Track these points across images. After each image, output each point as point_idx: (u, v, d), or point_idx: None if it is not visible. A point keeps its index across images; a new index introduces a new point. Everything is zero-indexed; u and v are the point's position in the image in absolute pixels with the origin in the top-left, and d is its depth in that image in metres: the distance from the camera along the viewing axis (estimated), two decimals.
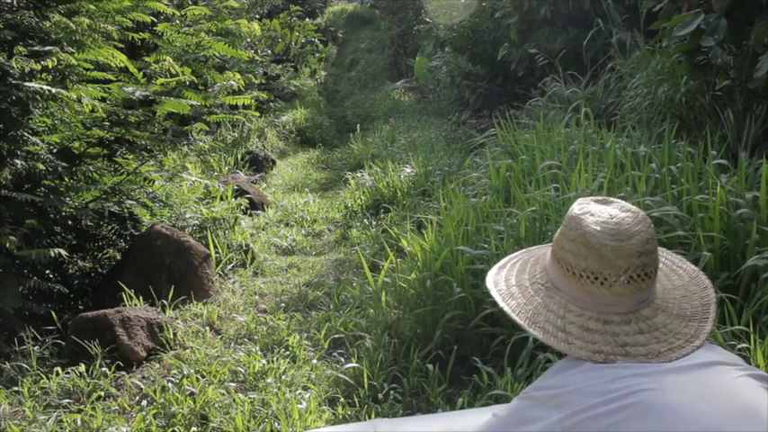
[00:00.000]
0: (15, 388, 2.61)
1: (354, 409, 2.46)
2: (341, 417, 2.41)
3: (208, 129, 6.41)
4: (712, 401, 0.91)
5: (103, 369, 2.71)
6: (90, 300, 3.56)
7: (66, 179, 3.64)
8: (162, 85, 4.03)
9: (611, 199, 1.09)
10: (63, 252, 3.15)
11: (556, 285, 1.08)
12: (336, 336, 3.07)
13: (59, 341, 2.98)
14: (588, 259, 1.02)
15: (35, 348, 2.84)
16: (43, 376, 2.67)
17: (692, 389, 0.92)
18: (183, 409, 2.43)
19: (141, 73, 4.13)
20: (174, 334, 3.06)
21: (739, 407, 0.91)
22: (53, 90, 3.07)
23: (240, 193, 5.43)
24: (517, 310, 1.08)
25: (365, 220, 4.99)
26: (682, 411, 0.89)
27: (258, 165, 7.32)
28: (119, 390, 2.66)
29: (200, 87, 5.19)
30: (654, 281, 1.04)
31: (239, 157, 7.08)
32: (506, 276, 1.14)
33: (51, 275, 3.52)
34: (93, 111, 3.49)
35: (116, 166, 3.99)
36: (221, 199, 4.94)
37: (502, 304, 1.10)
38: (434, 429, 1.38)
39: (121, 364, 2.82)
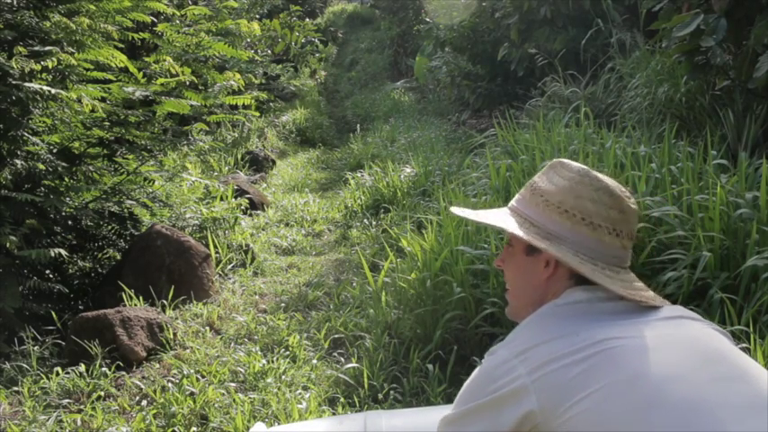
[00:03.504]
0: (15, 388, 2.61)
1: (354, 410, 2.46)
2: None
3: (208, 129, 6.41)
4: (678, 348, 0.94)
5: (103, 369, 2.71)
6: (90, 300, 3.56)
7: (67, 179, 3.64)
8: (162, 85, 4.03)
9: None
10: (63, 252, 3.15)
11: (558, 235, 1.08)
12: (336, 336, 3.07)
13: (59, 341, 2.98)
14: (612, 209, 1.06)
15: (35, 348, 2.84)
16: (43, 376, 2.67)
17: (658, 337, 0.95)
18: (183, 409, 2.43)
19: (141, 73, 4.13)
20: (174, 334, 3.06)
21: (705, 351, 0.94)
22: (53, 90, 3.07)
23: (240, 193, 5.43)
24: (526, 227, 1.09)
25: (365, 220, 4.99)
26: (649, 357, 0.91)
27: (258, 165, 7.32)
28: (119, 390, 2.66)
29: (200, 87, 5.19)
30: (630, 249, 1.11)
31: (239, 157, 7.09)
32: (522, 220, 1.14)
33: (51, 275, 3.52)
34: (93, 111, 3.49)
35: (116, 166, 3.99)
36: (221, 199, 4.94)
37: (502, 226, 1.11)
38: (421, 420, 1.39)
39: (121, 364, 2.82)
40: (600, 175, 1.10)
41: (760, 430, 0.83)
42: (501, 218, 1.14)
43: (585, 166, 1.12)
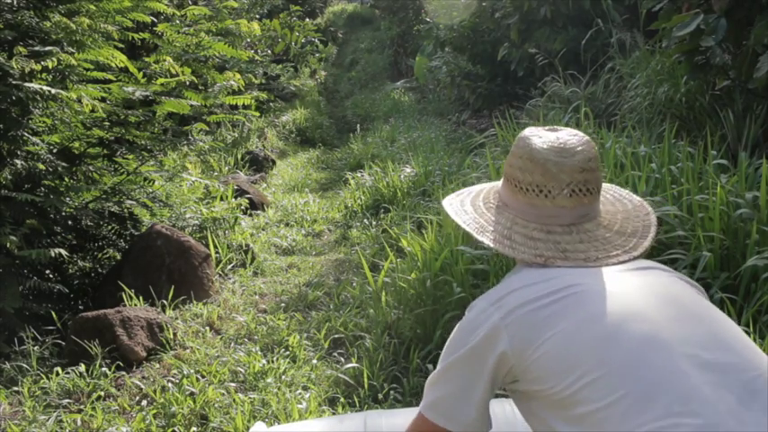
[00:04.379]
0: (15, 388, 2.62)
1: (354, 409, 2.46)
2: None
3: (208, 129, 6.41)
4: (640, 292, 1.01)
5: (103, 369, 2.71)
6: (90, 300, 3.57)
7: (67, 179, 3.64)
8: (162, 85, 4.03)
9: (560, 127, 1.20)
10: (63, 252, 3.15)
11: (505, 203, 1.18)
12: (336, 336, 3.07)
13: (59, 341, 2.98)
14: (534, 173, 1.12)
15: (35, 348, 2.84)
16: (43, 376, 2.67)
17: (622, 283, 1.03)
18: (183, 409, 2.44)
19: (141, 73, 4.13)
20: (174, 334, 3.06)
21: (664, 294, 1.01)
22: (53, 90, 3.07)
23: (240, 193, 5.43)
24: (468, 221, 1.19)
25: (365, 220, 4.99)
26: (611, 299, 0.98)
27: (258, 165, 7.31)
28: (119, 390, 2.66)
29: (200, 87, 5.19)
30: (595, 198, 1.15)
31: (239, 157, 7.09)
32: (462, 200, 1.25)
33: (51, 275, 3.52)
34: (93, 111, 3.49)
35: (116, 166, 3.99)
36: (221, 199, 4.94)
37: (455, 218, 1.20)
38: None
39: (121, 364, 2.82)
40: (532, 138, 1.15)
41: (712, 364, 0.89)
42: (460, 208, 1.24)
43: (530, 130, 1.19)
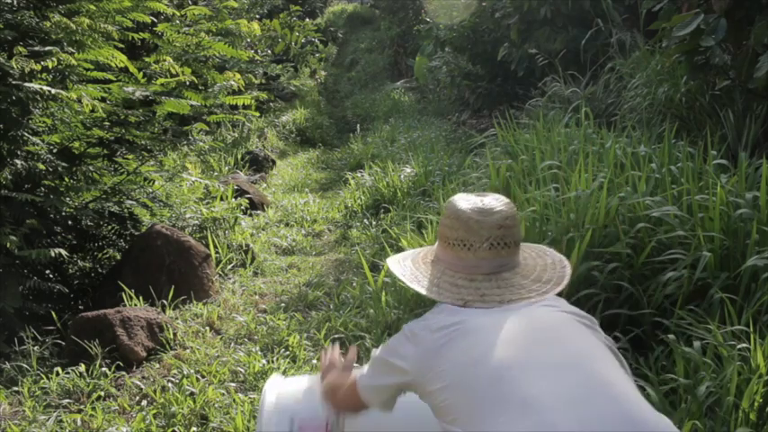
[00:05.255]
0: (15, 388, 2.62)
1: None
2: None
3: (208, 129, 6.41)
4: (520, 324, 1.22)
5: (103, 369, 2.71)
6: (90, 300, 3.56)
7: (67, 179, 3.64)
8: (162, 85, 4.03)
9: (488, 193, 1.41)
10: (63, 252, 3.15)
11: (438, 257, 1.40)
12: (336, 336, 3.07)
13: (59, 341, 2.98)
14: (459, 230, 1.33)
15: (35, 348, 2.84)
16: (43, 376, 2.67)
17: (507, 318, 1.23)
18: (183, 409, 2.44)
19: (141, 73, 4.13)
20: (174, 334, 3.06)
21: (541, 326, 1.22)
22: (53, 90, 3.07)
23: (240, 193, 5.43)
24: (405, 274, 1.43)
25: (365, 220, 4.99)
26: (491, 330, 1.20)
27: (258, 165, 7.31)
28: (119, 390, 2.66)
29: (200, 87, 5.18)
30: (513, 251, 1.35)
31: (239, 157, 7.08)
32: (404, 257, 1.50)
33: (51, 275, 3.52)
34: (93, 111, 3.49)
35: (116, 166, 3.99)
36: (221, 199, 4.94)
37: (395, 271, 1.44)
38: None
39: (121, 364, 2.82)
40: (459, 201, 1.38)
41: (561, 383, 1.09)
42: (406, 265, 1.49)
43: (459, 195, 1.41)
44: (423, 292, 1.36)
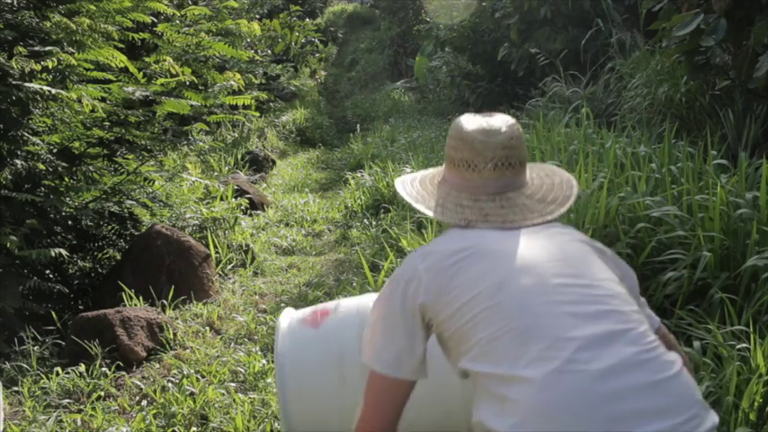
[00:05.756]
0: (15, 388, 2.61)
1: None
2: None
3: (208, 129, 6.41)
4: (534, 248, 1.20)
5: (103, 369, 2.71)
6: (90, 300, 3.56)
7: (67, 179, 3.64)
8: (162, 85, 4.03)
9: (494, 114, 1.39)
10: (63, 252, 3.15)
11: (444, 179, 1.38)
12: None
13: (59, 341, 2.98)
14: (464, 150, 1.32)
15: (35, 348, 2.84)
16: (43, 376, 2.67)
17: (521, 241, 1.21)
18: (183, 409, 2.44)
19: (141, 73, 4.13)
20: (174, 334, 3.06)
21: (554, 252, 1.20)
22: (53, 90, 3.07)
23: (240, 193, 5.43)
24: (411, 193, 1.40)
25: (365, 220, 4.99)
26: (507, 253, 1.18)
27: (258, 165, 7.31)
28: (119, 390, 2.66)
29: (200, 87, 5.18)
30: (518, 171, 1.33)
31: (239, 157, 7.08)
32: (412, 179, 1.46)
33: (51, 275, 3.52)
34: (93, 111, 3.49)
35: (116, 166, 3.99)
36: (221, 199, 4.94)
37: (401, 192, 1.41)
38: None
39: (121, 364, 2.82)
40: (463, 122, 1.35)
41: (588, 322, 1.07)
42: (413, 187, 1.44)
43: (465, 116, 1.38)
44: (427, 212, 1.34)
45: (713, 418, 1.01)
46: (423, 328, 1.21)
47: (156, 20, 4.90)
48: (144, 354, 2.92)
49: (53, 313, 3.12)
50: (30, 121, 3.38)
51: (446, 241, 1.27)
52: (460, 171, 1.32)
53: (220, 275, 4.01)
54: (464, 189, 1.31)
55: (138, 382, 2.68)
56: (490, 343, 1.08)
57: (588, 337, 1.04)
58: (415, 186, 1.41)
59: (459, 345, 1.14)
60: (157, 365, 2.84)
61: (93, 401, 2.52)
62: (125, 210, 3.95)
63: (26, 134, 3.28)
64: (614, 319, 1.08)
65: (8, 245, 2.91)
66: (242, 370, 2.77)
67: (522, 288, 1.11)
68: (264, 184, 6.74)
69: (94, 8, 3.73)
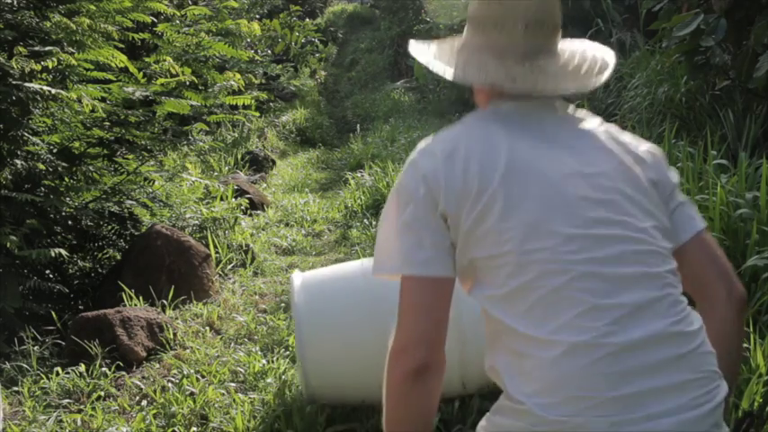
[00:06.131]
0: (15, 388, 2.61)
1: (354, 408, 2.46)
2: (341, 415, 2.41)
3: (208, 129, 6.41)
4: (573, 175, 1.03)
5: (103, 369, 2.71)
6: (90, 300, 3.57)
7: (67, 179, 3.64)
8: (162, 85, 4.03)
9: None
10: (63, 252, 3.15)
11: (465, 44, 1.20)
12: None
13: (59, 341, 2.98)
14: (491, 7, 1.15)
15: (35, 348, 2.84)
16: (43, 376, 2.67)
17: (557, 157, 1.05)
18: (183, 409, 2.44)
19: (141, 73, 4.13)
20: (174, 334, 3.06)
21: (596, 184, 1.03)
22: (53, 90, 3.07)
23: (240, 193, 5.42)
24: (427, 54, 1.21)
25: (365, 220, 4.99)
26: (542, 179, 1.02)
27: (258, 165, 7.31)
28: (119, 390, 2.66)
29: (200, 87, 5.19)
30: (550, 35, 1.16)
31: (239, 157, 7.08)
32: (428, 44, 1.26)
33: (51, 275, 3.52)
34: (93, 111, 3.49)
35: (116, 166, 3.99)
36: (221, 199, 4.94)
37: (415, 53, 1.23)
38: None
39: (121, 364, 2.82)
40: None
41: (629, 286, 0.97)
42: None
43: None
44: (445, 73, 1.16)
45: (725, 387, 0.98)
46: (447, 229, 1.05)
47: (156, 20, 4.90)
48: (144, 354, 2.92)
49: (53, 313, 3.12)
50: (30, 121, 3.39)
51: (469, 138, 1.07)
52: (486, 32, 1.14)
53: (220, 275, 4.01)
54: (489, 51, 1.13)
55: (138, 382, 2.68)
56: (518, 293, 0.97)
57: (624, 305, 0.95)
58: (432, 49, 1.23)
59: (478, 272, 1.03)
60: (157, 365, 2.84)
61: (93, 401, 2.52)
62: (125, 210, 3.96)
63: (26, 134, 3.28)
64: (651, 285, 0.98)
65: (8, 245, 2.91)
66: (242, 370, 2.77)
67: (559, 237, 0.98)
68: (264, 184, 6.73)
69: (94, 8, 3.73)
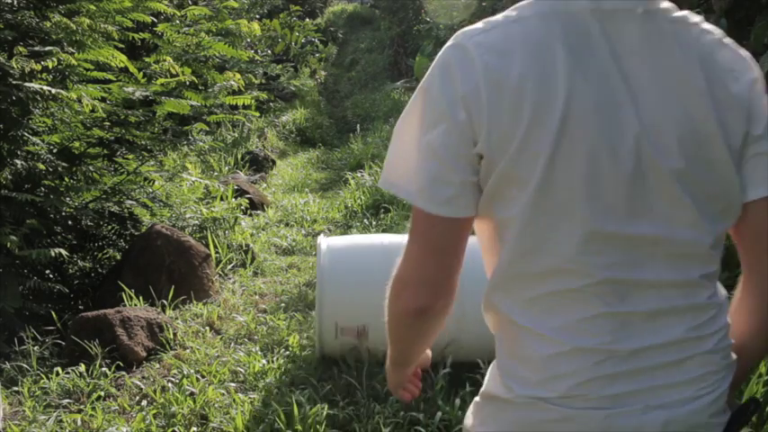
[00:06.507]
0: (15, 388, 2.62)
1: (354, 409, 2.46)
2: (341, 416, 2.41)
3: (208, 129, 6.41)
4: (628, 143, 0.83)
5: (103, 369, 2.71)
6: (90, 300, 3.57)
7: (66, 179, 3.64)
8: (162, 85, 4.04)
9: None
10: (63, 252, 3.15)
11: None
12: None
13: (59, 341, 2.98)
14: None
15: (35, 348, 2.84)
16: (43, 376, 2.67)
17: (618, 106, 0.83)
18: (183, 409, 2.44)
19: (141, 73, 4.13)
20: (174, 334, 3.06)
21: (653, 167, 0.84)
22: (53, 90, 3.08)
23: (240, 193, 5.42)
24: None
25: (365, 220, 4.99)
26: (594, 134, 0.82)
27: (258, 165, 7.30)
28: (119, 390, 2.66)
29: (200, 87, 5.19)
30: None
31: (239, 157, 7.08)
32: None
33: (51, 275, 3.52)
34: (93, 111, 3.49)
35: (116, 166, 3.99)
36: (221, 199, 4.94)
37: None
38: None
39: (121, 364, 2.82)
40: None
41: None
42: None
43: None
44: None
45: (731, 376, 0.92)
46: (479, 167, 0.87)
47: (156, 20, 4.90)
48: (144, 354, 2.92)
49: (53, 313, 3.12)
50: (30, 121, 3.39)
51: (526, 52, 0.83)
52: None
53: (220, 275, 4.02)
54: None
55: (138, 382, 2.68)
56: (523, 280, 0.88)
57: (638, 313, 0.86)
58: None
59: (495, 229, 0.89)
60: (157, 365, 2.84)
61: (93, 401, 2.52)
62: (125, 210, 3.96)
63: (26, 134, 3.28)
64: (675, 294, 0.87)
65: (8, 245, 2.91)
66: (242, 370, 2.77)
67: (583, 233, 0.83)
68: (264, 184, 6.73)
69: (94, 8, 3.73)
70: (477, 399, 1.00)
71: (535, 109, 0.81)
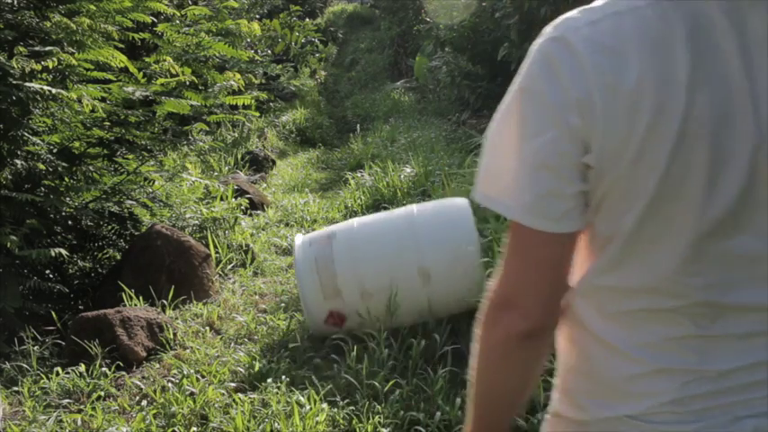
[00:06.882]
0: (15, 388, 2.62)
1: (354, 409, 2.46)
2: (341, 416, 2.41)
3: (208, 129, 6.41)
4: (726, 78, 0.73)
5: (103, 369, 2.71)
6: (90, 300, 3.57)
7: (67, 179, 3.64)
8: (162, 85, 4.04)
9: None
10: (63, 252, 3.15)
11: None
12: (335, 337, 3.06)
13: (59, 341, 2.98)
14: None
15: (35, 348, 2.84)
16: (43, 376, 2.67)
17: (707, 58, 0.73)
18: (183, 409, 2.44)
19: (141, 73, 4.13)
20: (174, 334, 3.06)
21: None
22: (53, 90, 3.08)
23: (240, 193, 5.43)
24: None
25: None
26: (713, 144, 0.73)
27: (258, 165, 7.31)
28: (119, 390, 2.66)
29: (200, 87, 5.19)
30: None
31: (239, 157, 7.08)
32: None
33: (51, 275, 3.52)
34: (93, 111, 3.49)
35: (116, 166, 3.99)
36: (221, 199, 4.94)
37: None
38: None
39: (121, 364, 2.82)
40: None
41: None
42: None
43: None
44: None
45: None
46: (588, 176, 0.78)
47: (156, 20, 4.90)
48: (144, 354, 2.92)
49: (53, 313, 3.12)
50: (30, 121, 3.39)
51: (643, 47, 0.72)
52: None
53: (220, 275, 4.02)
54: None
55: (138, 382, 2.68)
56: (615, 293, 0.81)
57: (730, 336, 0.80)
58: None
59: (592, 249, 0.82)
60: (157, 365, 2.84)
61: (93, 401, 2.52)
62: (125, 210, 3.96)
63: (26, 134, 3.28)
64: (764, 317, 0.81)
65: (8, 245, 2.91)
66: (242, 370, 2.78)
67: (683, 254, 0.76)
68: (264, 184, 6.73)
69: (94, 8, 3.73)
70: (547, 416, 0.96)
71: (653, 117, 0.72)
